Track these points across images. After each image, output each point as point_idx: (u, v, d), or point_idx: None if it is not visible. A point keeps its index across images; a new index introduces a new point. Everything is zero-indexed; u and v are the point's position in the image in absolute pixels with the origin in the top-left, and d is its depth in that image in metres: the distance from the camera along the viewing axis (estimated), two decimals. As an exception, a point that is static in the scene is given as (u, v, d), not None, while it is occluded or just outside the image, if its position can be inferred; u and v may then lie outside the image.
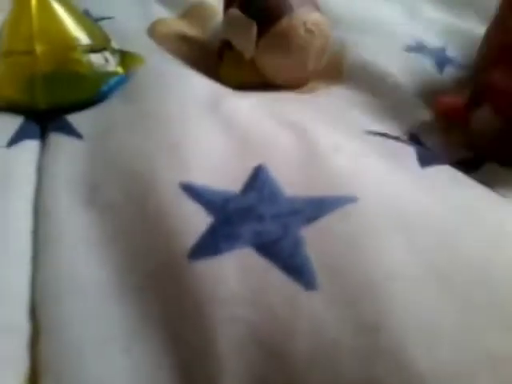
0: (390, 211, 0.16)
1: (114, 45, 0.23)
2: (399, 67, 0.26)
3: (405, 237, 0.15)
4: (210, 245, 0.15)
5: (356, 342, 0.13)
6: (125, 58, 0.22)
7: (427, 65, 0.26)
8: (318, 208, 0.15)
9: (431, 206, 0.16)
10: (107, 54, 0.22)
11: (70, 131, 0.20)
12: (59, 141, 0.19)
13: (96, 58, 0.21)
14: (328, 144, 0.18)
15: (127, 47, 0.23)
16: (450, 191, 0.17)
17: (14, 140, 0.19)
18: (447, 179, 0.18)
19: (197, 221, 0.15)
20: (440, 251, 0.15)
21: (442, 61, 0.27)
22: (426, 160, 0.19)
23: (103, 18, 0.27)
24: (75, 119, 0.20)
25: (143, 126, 0.19)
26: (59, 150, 0.19)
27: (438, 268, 0.14)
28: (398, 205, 0.16)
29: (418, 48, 0.28)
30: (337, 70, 0.26)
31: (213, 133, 0.18)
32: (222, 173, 0.17)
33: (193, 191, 0.16)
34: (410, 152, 0.19)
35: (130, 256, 0.15)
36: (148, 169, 0.17)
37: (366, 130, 0.20)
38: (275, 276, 0.14)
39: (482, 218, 0.16)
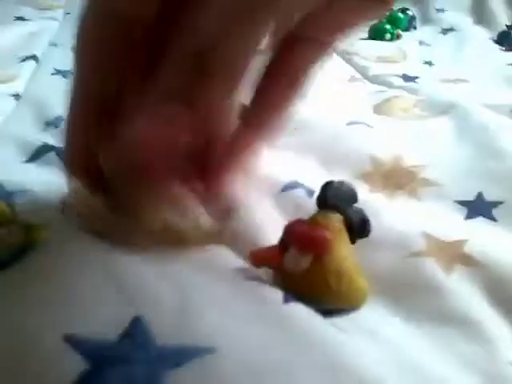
0: (246, 362, 0.18)
1: (22, 216, 0.25)
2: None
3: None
4: None
5: None
6: (31, 229, 0.24)
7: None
8: (181, 356, 0.17)
9: (285, 353, 0.19)
10: (13, 228, 0.23)
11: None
12: None
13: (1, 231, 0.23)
14: (202, 299, 0.20)
15: (36, 218, 0.25)
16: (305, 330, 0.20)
17: None
18: (303, 315, 0.21)
19: (71, 369, 0.17)
20: None
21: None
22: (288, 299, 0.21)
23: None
24: None
25: (38, 290, 0.20)
26: None
27: None
28: (254, 356, 0.18)
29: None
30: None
31: (100, 287, 0.20)
32: (103, 323, 0.19)
33: (74, 342, 0.18)
34: (275, 293, 0.21)
35: None
36: (34, 327, 0.18)
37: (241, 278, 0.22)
38: None
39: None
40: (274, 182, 0.31)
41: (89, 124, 0.24)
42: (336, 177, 0.25)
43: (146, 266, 0.22)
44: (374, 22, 0.73)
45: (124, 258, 0.23)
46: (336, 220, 0.23)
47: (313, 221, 0.23)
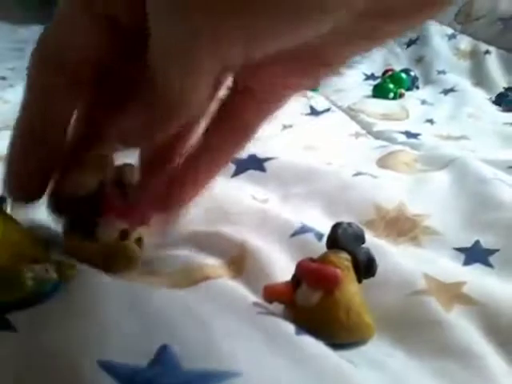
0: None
1: (53, 256, 0.27)
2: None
3: None
4: None
5: None
6: (61, 265, 0.26)
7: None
8: (206, 380, 0.19)
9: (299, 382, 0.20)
10: (47, 265, 0.25)
11: (7, 326, 0.22)
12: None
13: (38, 268, 0.25)
14: (221, 329, 0.22)
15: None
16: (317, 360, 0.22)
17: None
18: (315, 346, 0.22)
19: None
20: None
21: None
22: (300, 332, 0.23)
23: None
24: (13, 316, 0.23)
25: (73, 321, 0.22)
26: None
27: None
28: (273, 381, 0.20)
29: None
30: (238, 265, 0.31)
31: (127, 318, 0.23)
32: (135, 351, 0.21)
33: (108, 367, 0.19)
34: (288, 326, 0.23)
35: None
36: (70, 353, 0.20)
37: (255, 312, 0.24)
38: None
39: None
40: (283, 227, 0.34)
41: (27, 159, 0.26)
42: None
43: (168, 300, 0.24)
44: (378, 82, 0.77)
45: (147, 294, 0.25)
46: (345, 259, 0.25)
47: (323, 259, 0.25)
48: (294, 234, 0.33)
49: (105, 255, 0.27)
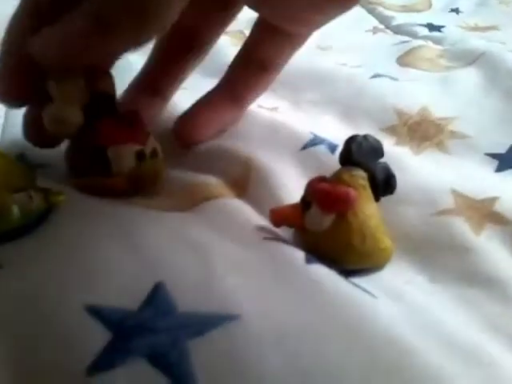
0: (270, 327, 0.17)
1: (40, 183, 0.24)
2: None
3: (282, 348, 0.17)
4: (105, 360, 0.16)
5: None
6: (49, 194, 0.23)
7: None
8: (204, 324, 0.17)
9: (309, 316, 0.18)
10: (32, 193, 0.23)
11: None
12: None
13: (23, 198, 0.22)
14: (222, 262, 0.20)
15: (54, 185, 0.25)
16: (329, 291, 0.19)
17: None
18: (326, 276, 0.20)
19: (95, 339, 0.16)
20: (311, 357, 0.17)
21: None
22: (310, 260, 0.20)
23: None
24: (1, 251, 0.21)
25: (60, 256, 0.20)
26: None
27: (309, 373, 0.16)
28: (278, 320, 0.18)
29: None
30: (241, 185, 0.28)
31: (119, 254, 0.20)
32: (125, 291, 0.18)
33: (95, 312, 0.17)
34: (297, 254, 0.21)
35: (27, 375, 0.16)
36: (56, 293, 0.18)
37: (261, 237, 0.22)
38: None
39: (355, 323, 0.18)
40: (294, 139, 0.30)
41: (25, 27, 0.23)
42: (360, 131, 0.24)
43: (165, 229, 0.22)
44: None
45: (142, 222, 0.22)
46: (360, 177, 0.22)
47: (335, 178, 0.22)
48: (304, 147, 0.30)
49: (132, 181, 0.24)
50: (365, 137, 0.23)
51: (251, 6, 0.27)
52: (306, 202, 0.22)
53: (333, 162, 0.25)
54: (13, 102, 0.25)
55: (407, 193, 0.25)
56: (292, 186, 0.26)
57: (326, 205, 0.21)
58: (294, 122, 0.32)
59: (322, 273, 0.20)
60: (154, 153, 0.25)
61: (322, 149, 0.29)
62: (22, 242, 0.21)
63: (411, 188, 0.25)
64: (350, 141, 0.22)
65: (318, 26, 0.28)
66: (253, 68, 0.30)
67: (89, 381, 0.15)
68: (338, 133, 0.30)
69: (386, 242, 0.22)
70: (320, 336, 0.17)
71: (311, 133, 0.30)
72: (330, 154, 0.29)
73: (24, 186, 0.23)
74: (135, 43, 0.22)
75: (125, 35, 0.21)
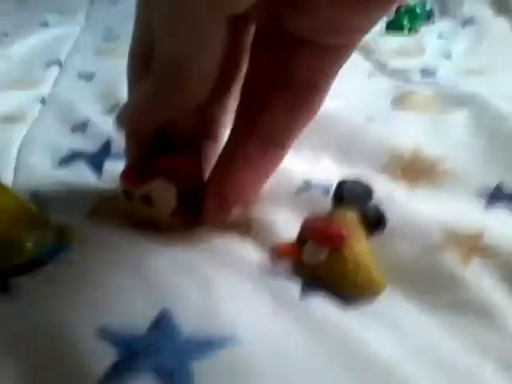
0: (270, 350, 0.19)
1: (54, 220, 0.26)
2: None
3: (281, 371, 0.18)
4: (115, 378, 0.17)
5: None
6: (63, 232, 0.26)
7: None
8: (207, 346, 0.19)
9: (304, 342, 0.20)
10: (45, 231, 0.25)
11: (7, 291, 0.22)
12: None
13: (37, 233, 0.24)
14: (224, 292, 0.22)
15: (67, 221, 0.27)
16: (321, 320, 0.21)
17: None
18: (320, 308, 0.22)
19: (104, 359, 0.18)
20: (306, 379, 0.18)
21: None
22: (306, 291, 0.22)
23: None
24: (14, 281, 0.23)
25: (73, 284, 0.22)
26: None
27: None
28: (277, 344, 0.19)
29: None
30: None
31: (128, 283, 0.22)
32: (133, 316, 0.20)
33: (107, 335, 0.19)
34: (293, 286, 0.23)
35: None
36: (69, 321, 0.20)
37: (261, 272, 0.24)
38: None
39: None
40: (288, 184, 0.32)
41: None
42: (355, 171, 0.25)
43: (171, 259, 0.23)
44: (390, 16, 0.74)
45: (150, 254, 0.24)
46: (351, 216, 0.23)
47: (329, 217, 0.24)
48: (297, 192, 0.31)
49: None
50: (355, 180, 0.24)
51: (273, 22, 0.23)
52: (302, 238, 0.23)
53: (326, 204, 0.26)
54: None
55: (400, 227, 0.26)
56: (289, 227, 0.27)
57: (320, 240, 0.23)
58: (289, 164, 0.33)
59: (318, 306, 0.21)
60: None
61: (315, 193, 0.30)
62: (37, 274, 0.23)
63: (403, 223, 0.27)
64: (342, 184, 0.24)
65: (361, 33, 0.24)
66: (295, 92, 0.25)
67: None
68: (332, 175, 0.31)
69: (379, 273, 0.23)
70: (312, 359, 0.19)
71: (304, 178, 0.32)
72: (324, 196, 0.30)
73: (37, 224, 0.25)
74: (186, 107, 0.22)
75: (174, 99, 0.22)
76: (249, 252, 0.25)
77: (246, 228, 0.28)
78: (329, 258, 0.22)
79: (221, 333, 0.19)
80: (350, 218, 0.23)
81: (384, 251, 0.25)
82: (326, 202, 0.26)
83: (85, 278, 0.22)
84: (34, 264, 0.24)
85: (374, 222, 0.24)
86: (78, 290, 0.21)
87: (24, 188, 0.31)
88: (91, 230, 0.26)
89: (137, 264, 0.23)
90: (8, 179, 0.33)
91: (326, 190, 0.30)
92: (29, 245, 0.24)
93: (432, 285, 0.24)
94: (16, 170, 0.35)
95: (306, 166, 0.34)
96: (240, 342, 0.19)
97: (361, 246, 0.23)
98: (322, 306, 0.21)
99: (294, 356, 0.19)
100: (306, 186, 0.31)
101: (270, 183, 0.31)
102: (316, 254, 0.23)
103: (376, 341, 0.20)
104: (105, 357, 0.18)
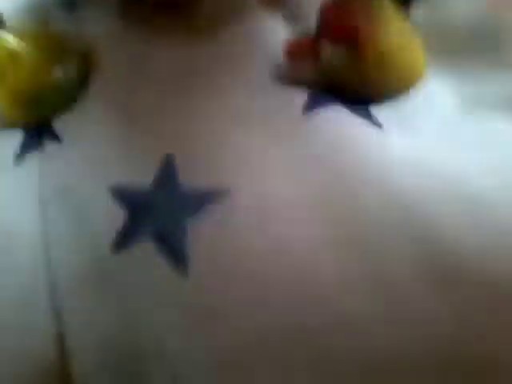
0: (263, 200, 0.18)
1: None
2: None
3: (276, 219, 0.18)
4: (123, 239, 0.18)
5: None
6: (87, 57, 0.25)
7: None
8: (201, 203, 0.18)
9: (310, 174, 0.18)
10: (72, 61, 0.24)
11: (54, 137, 0.23)
12: (48, 148, 0.23)
13: (64, 67, 0.24)
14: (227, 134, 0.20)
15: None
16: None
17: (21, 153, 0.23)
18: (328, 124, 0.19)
19: (117, 219, 0.19)
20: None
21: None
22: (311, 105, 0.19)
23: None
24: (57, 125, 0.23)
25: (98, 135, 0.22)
26: (47, 155, 0.23)
27: None
28: (270, 192, 0.18)
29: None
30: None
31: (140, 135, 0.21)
32: (138, 166, 0.20)
33: (117, 192, 0.20)
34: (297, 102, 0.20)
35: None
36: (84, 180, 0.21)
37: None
38: (163, 262, 0.18)
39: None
40: None
41: None
42: None
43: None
44: None
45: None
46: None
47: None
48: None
49: None
50: None
51: None
52: (319, 32, 0.20)
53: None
54: None
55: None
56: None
57: (335, 38, 0.19)
58: None
59: (323, 120, 0.19)
60: None
61: None
62: (72, 116, 0.23)
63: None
64: None
65: None
66: None
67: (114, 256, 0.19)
68: None
69: (414, 60, 0.19)
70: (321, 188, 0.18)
71: None
72: None
73: (66, 57, 0.25)
74: None
75: None
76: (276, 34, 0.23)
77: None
78: (348, 58, 0.19)
79: (216, 183, 0.19)
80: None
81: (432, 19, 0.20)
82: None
83: (107, 127, 0.22)
84: (68, 98, 0.24)
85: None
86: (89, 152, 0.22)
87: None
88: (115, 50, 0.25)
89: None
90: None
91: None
92: (61, 81, 0.24)
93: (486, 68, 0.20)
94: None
95: None
96: (231, 191, 0.18)
97: (387, 36, 0.19)
98: (327, 122, 0.19)
99: (283, 192, 0.18)
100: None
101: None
102: (334, 53, 0.19)
103: (394, 146, 0.18)
104: (116, 214, 0.19)
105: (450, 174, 0.18)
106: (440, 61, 0.20)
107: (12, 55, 0.24)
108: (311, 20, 0.21)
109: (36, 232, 0.21)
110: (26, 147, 0.23)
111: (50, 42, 0.25)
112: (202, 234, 0.18)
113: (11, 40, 0.24)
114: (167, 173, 0.19)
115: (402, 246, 0.17)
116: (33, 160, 0.23)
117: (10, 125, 0.24)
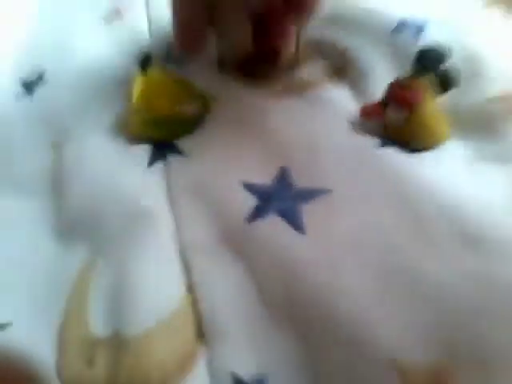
0: (351, 188, 0.28)
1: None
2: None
3: (367, 208, 0.27)
4: (256, 213, 0.27)
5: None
6: (205, 99, 0.33)
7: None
8: (311, 195, 0.28)
9: (381, 186, 0.28)
10: (192, 102, 0.32)
11: (178, 152, 0.31)
12: (173, 160, 0.31)
13: (186, 107, 0.32)
14: (325, 149, 0.29)
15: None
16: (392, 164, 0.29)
17: (151, 162, 0.31)
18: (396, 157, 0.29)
19: (248, 203, 0.28)
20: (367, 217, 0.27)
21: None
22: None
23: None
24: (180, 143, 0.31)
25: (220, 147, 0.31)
26: (173, 166, 0.30)
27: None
28: (362, 190, 0.28)
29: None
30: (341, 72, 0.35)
31: (258, 145, 0.30)
32: (262, 171, 0.29)
33: (247, 185, 0.28)
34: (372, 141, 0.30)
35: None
36: (219, 175, 0.29)
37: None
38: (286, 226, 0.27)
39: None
40: (384, 23, 0.35)
41: None
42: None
43: (290, 123, 0.31)
44: None
45: (271, 120, 0.32)
46: (423, 82, 0.29)
47: (406, 82, 0.29)
48: (393, 31, 0.35)
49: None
50: (432, 47, 0.29)
51: None
52: (385, 101, 0.30)
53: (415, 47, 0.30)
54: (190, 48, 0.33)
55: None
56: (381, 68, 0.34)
57: (399, 103, 0.29)
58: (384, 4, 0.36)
59: (391, 153, 0.29)
60: None
61: (406, 36, 0.34)
62: (193, 138, 0.32)
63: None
64: (420, 52, 0.29)
65: None
66: None
67: (249, 226, 0.27)
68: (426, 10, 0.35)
69: (443, 128, 0.30)
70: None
71: (399, 18, 0.35)
72: (414, 39, 0.34)
73: (191, 95, 0.33)
74: None
75: None
76: (343, 106, 0.32)
77: (341, 75, 0.35)
78: (406, 118, 0.29)
79: (320, 185, 0.28)
80: (423, 84, 0.29)
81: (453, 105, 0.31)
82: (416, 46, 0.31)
83: (227, 142, 0.31)
84: (188, 129, 0.32)
85: (446, 84, 0.29)
86: (221, 153, 0.30)
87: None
88: (225, 98, 0.33)
89: (262, 127, 0.31)
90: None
91: (419, 31, 0.34)
92: (189, 115, 0.32)
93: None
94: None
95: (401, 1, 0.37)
96: (331, 190, 0.27)
97: (430, 109, 0.29)
98: (395, 155, 0.29)
99: (372, 195, 0.27)
100: (401, 25, 0.35)
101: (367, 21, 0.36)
102: (395, 115, 0.29)
103: (441, 181, 0.27)
104: (247, 201, 0.28)
105: None
106: (455, 131, 0.30)
107: (158, 85, 0.31)
108: (373, 91, 0.32)
109: (168, 216, 0.28)
110: (154, 157, 0.31)
111: (182, 85, 0.33)
112: (313, 216, 0.27)
113: (157, 74, 0.32)
114: (283, 177, 0.29)
115: None
116: (159, 166, 0.30)
117: (142, 138, 0.32)
